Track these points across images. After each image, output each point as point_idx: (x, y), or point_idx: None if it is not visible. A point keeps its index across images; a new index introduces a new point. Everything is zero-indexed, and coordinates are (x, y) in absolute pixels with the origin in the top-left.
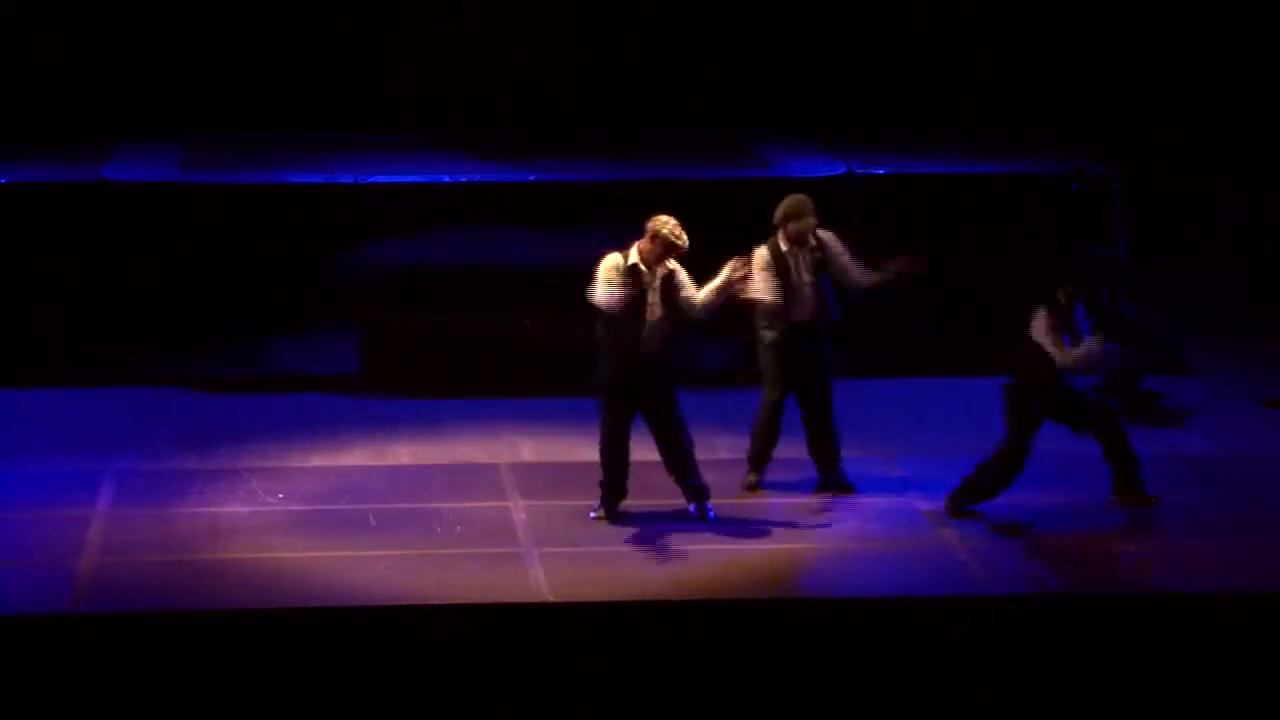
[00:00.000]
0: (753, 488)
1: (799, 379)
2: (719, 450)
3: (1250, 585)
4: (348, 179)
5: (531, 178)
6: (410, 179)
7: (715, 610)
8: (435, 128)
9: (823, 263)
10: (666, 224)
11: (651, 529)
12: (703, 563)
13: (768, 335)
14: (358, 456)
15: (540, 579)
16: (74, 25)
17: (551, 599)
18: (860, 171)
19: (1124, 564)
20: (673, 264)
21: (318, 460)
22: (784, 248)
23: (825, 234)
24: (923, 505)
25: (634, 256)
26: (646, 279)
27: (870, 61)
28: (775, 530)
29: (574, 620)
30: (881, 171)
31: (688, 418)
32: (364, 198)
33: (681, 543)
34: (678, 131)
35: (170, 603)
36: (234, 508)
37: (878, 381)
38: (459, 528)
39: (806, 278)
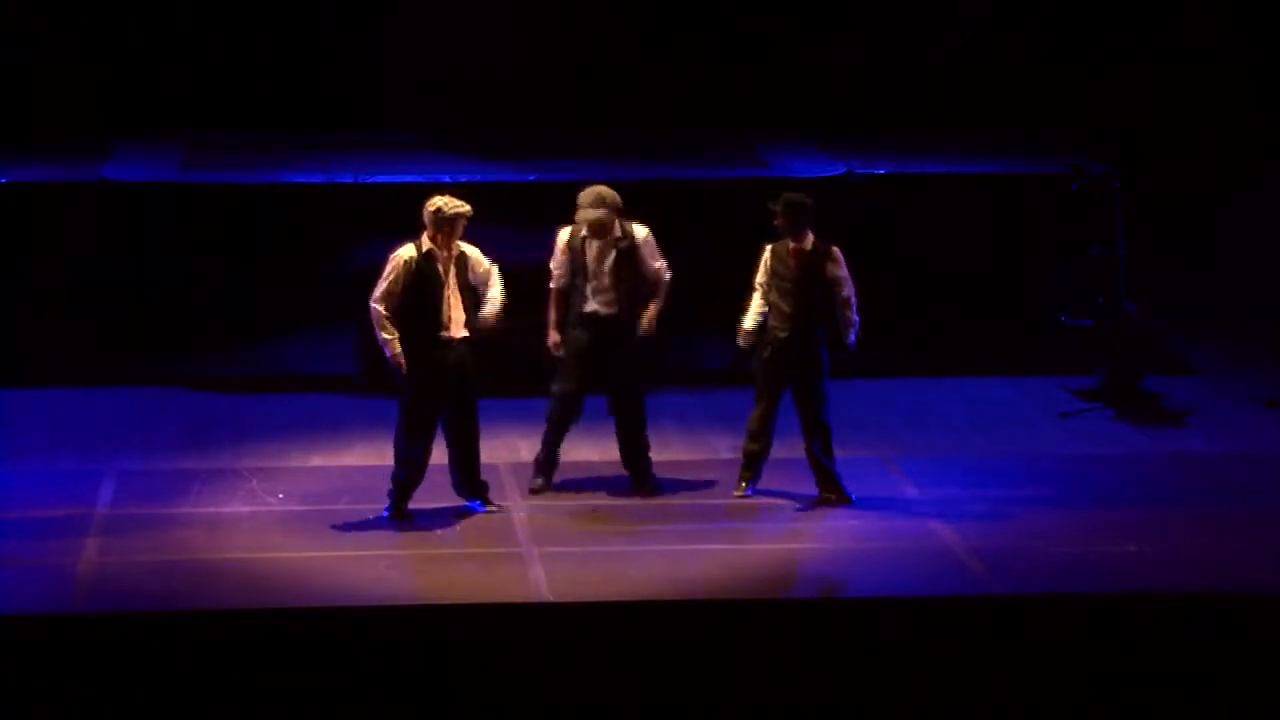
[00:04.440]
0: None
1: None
2: (719, 450)
3: (1250, 585)
4: (348, 179)
5: (532, 178)
6: (410, 179)
7: (715, 610)
8: (435, 128)
9: (630, 254)
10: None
11: (651, 529)
12: (703, 563)
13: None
14: (358, 456)
15: (540, 579)
16: (74, 25)
17: (551, 599)
18: (860, 171)
19: (1124, 564)
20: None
21: (318, 460)
22: (583, 233)
23: (640, 229)
24: (923, 505)
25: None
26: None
27: (870, 61)
28: (775, 530)
29: (574, 620)
30: (881, 171)
31: (687, 418)
32: (364, 198)
33: (682, 542)
34: (678, 131)
35: (170, 603)
36: (234, 508)
37: (877, 381)
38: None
39: (607, 267)
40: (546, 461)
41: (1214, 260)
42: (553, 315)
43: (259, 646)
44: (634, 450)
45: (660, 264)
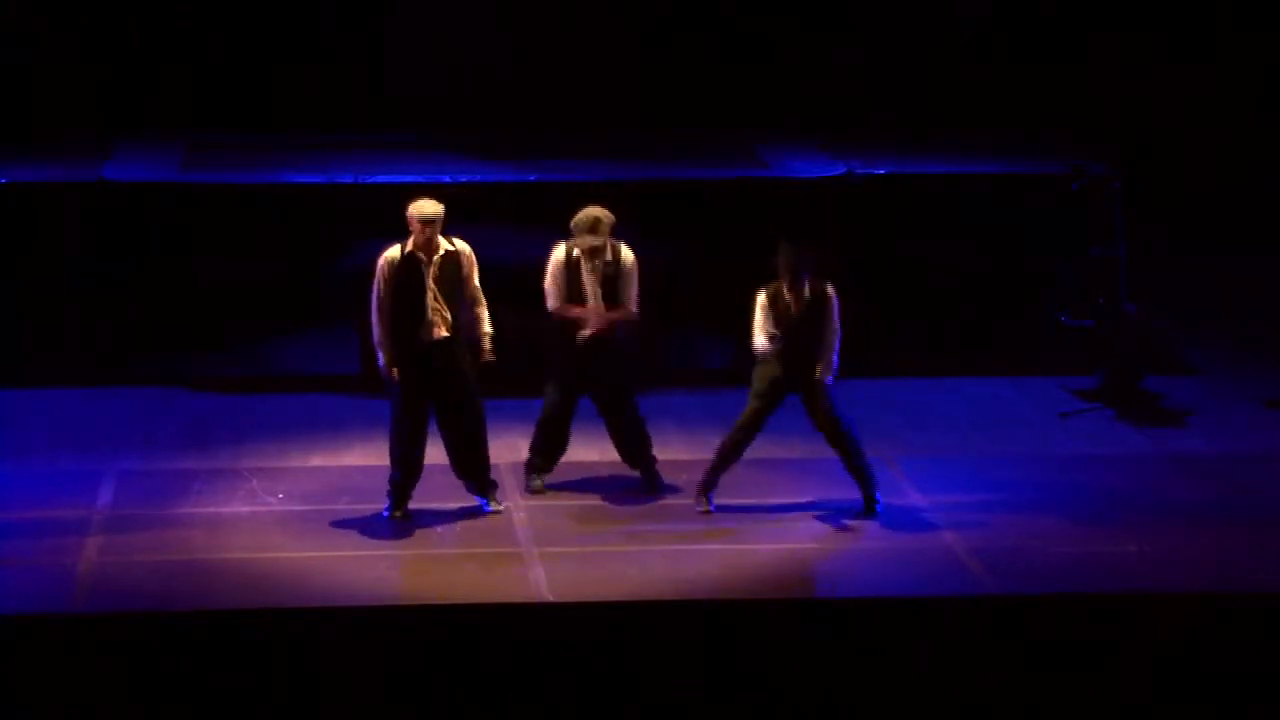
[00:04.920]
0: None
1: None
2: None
3: (1250, 585)
4: (348, 179)
5: (532, 178)
6: (410, 179)
7: (715, 610)
8: (435, 128)
9: (616, 278)
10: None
11: (651, 529)
12: (703, 563)
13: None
14: (358, 456)
15: (540, 579)
16: (74, 25)
17: (551, 599)
18: (860, 171)
19: (1124, 564)
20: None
21: (318, 460)
22: (576, 252)
23: (628, 253)
24: (923, 505)
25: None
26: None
27: (870, 61)
28: (775, 530)
29: (574, 620)
30: (881, 171)
31: (687, 418)
32: (364, 198)
33: (681, 542)
34: (678, 131)
35: (170, 603)
36: (234, 508)
37: (878, 381)
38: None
39: (595, 289)
40: (539, 462)
41: (1214, 260)
42: (574, 314)
43: (259, 646)
44: (636, 449)
45: (634, 294)
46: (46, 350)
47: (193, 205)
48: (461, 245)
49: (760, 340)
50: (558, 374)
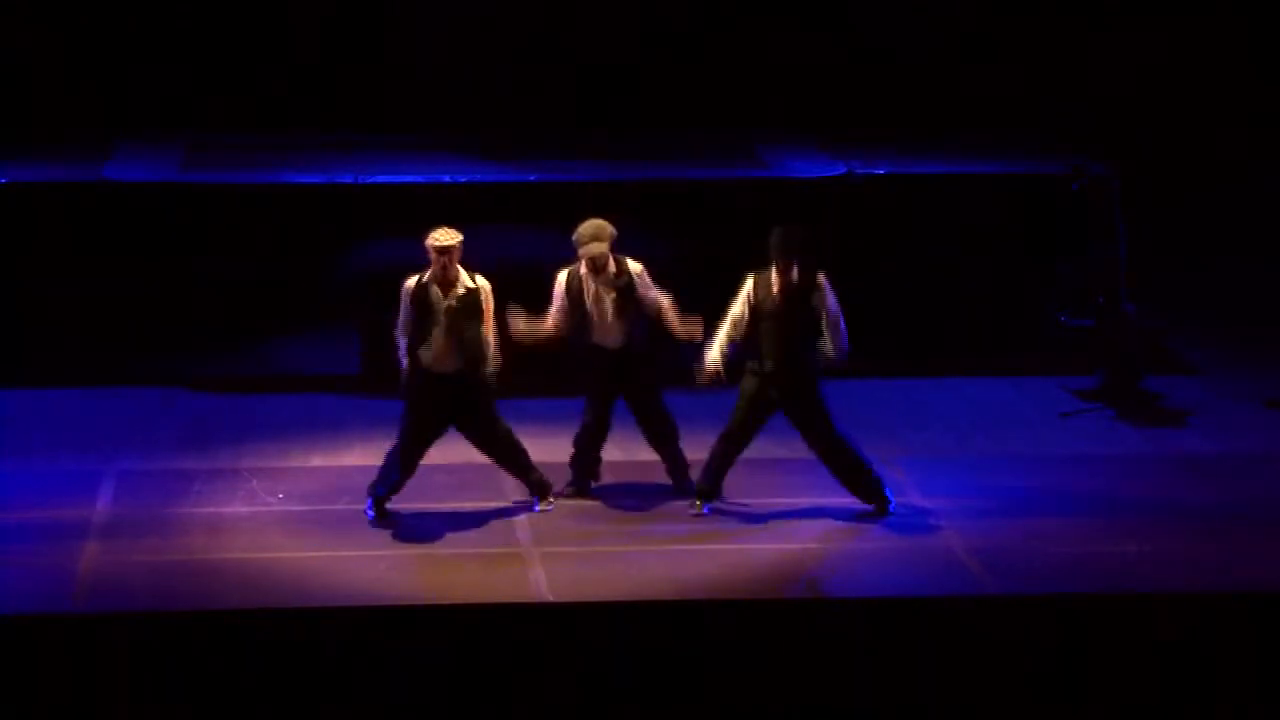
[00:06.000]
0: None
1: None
2: None
3: (1250, 585)
4: (348, 179)
5: (532, 178)
6: (410, 179)
7: (715, 610)
8: (435, 128)
9: (628, 290)
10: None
11: (651, 529)
12: (703, 563)
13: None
14: (358, 456)
15: (540, 579)
16: (74, 25)
17: (551, 599)
18: (860, 171)
19: (1124, 564)
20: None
21: (318, 460)
22: (582, 273)
23: (635, 264)
24: (923, 505)
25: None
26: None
27: (870, 61)
28: (776, 530)
29: (574, 620)
30: (881, 171)
31: (689, 418)
32: (364, 198)
33: (681, 543)
34: (678, 131)
35: (170, 603)
36: (234, 508)
37: (878, 381)
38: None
39: (608, 305)
40: (576, 470)
41: (1214, 260)
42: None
43: (259, 646)
44: (676, 464)
45: (656, 292)
46: (46, 350)
47: (193, 205)
48: (483, 283)
49: (714, 350)
50: (589, 399)
